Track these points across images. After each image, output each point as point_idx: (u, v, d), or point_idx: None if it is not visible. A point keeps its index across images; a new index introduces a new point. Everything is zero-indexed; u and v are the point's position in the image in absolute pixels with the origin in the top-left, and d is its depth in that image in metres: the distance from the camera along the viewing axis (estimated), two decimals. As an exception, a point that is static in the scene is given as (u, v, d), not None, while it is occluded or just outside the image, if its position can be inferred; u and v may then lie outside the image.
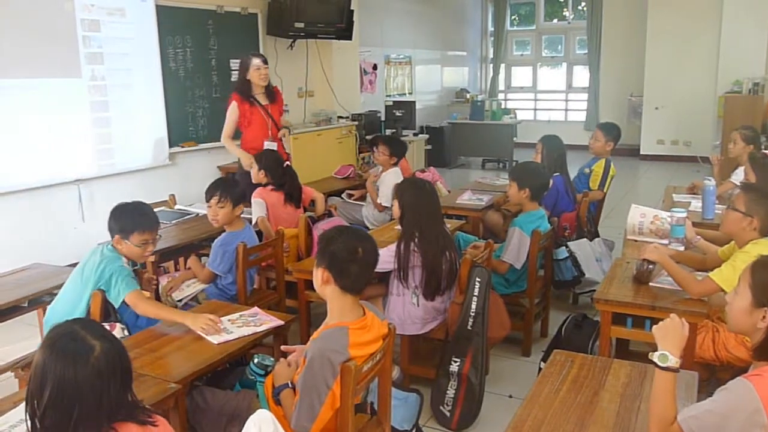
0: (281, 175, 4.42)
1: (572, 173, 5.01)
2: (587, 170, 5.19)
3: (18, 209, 4.96)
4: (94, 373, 1.52)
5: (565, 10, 13.48)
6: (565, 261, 4.28)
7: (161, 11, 5.90)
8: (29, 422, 1.55)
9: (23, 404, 1.63)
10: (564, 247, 4.31)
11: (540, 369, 3.05)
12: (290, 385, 2.23)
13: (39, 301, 3.30)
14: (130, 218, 2.88)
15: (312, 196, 4.68)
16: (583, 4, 12.93)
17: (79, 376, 1.50)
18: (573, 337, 3.46)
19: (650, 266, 3.00)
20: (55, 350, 1.53)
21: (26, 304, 3.25)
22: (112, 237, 2.90)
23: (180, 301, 3.56)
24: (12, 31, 4.80)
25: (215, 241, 3.63)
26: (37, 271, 3.57)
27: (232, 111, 4.94)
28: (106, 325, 2.68)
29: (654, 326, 1.84)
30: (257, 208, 4.29)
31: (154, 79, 5.92)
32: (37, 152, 5.02)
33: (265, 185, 4.40)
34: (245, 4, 6.82)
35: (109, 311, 2.86)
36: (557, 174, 4.68)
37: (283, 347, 2.50)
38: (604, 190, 5.15)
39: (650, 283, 3.01)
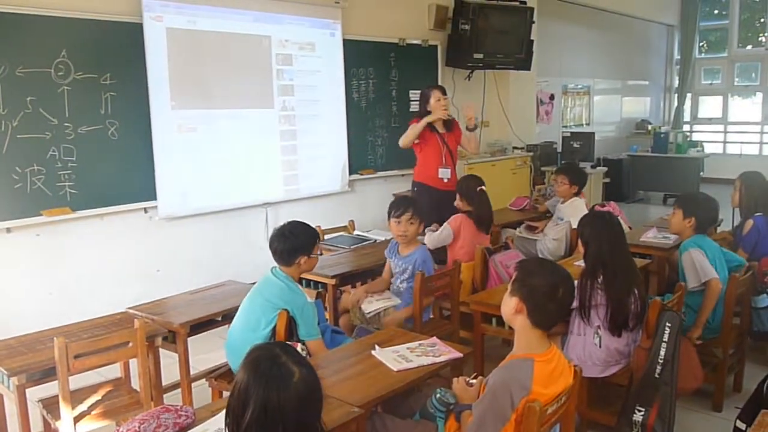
0: (471, 198, 4.37)
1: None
2: None
3: (216, 229, 5.40)
4: (295, 397, 1.59)
5: (761, 34, 12.46)
6: (766, 310, 3.90)
7: (347, 45, 6.20)
8: None
9: (219, 415, 1.73)
10: (765, 295, 3.93)
11: (735, 428, 2.78)
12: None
13: (231, 316, 3.51)
14: (306, 235, 3.05)
15: None
16: (784, 28, 11.91)
17: (282, 399, 1.58)
18: (777, 396, 3.12)
19: None
20: (258, 372, 1.61)
21: (220, 319, 3.47)
22: (297, 259, 3.00)
23: (369, 313, 3.70)
24: (222, 67, 5.28)
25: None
26: (230, 288, 3.80)
27: (416, 125, 5.03)
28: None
29: None
30: (445, 233, 4.28)
31: (338, 109, 6.21)
32: (234, 177, 5.45)
33: (464, 212, 4.37)
34: (426, 37, 6.99)
35: (292, 331, 2.98)
36: (759, 214, 4.29)
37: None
38: None
39: None
